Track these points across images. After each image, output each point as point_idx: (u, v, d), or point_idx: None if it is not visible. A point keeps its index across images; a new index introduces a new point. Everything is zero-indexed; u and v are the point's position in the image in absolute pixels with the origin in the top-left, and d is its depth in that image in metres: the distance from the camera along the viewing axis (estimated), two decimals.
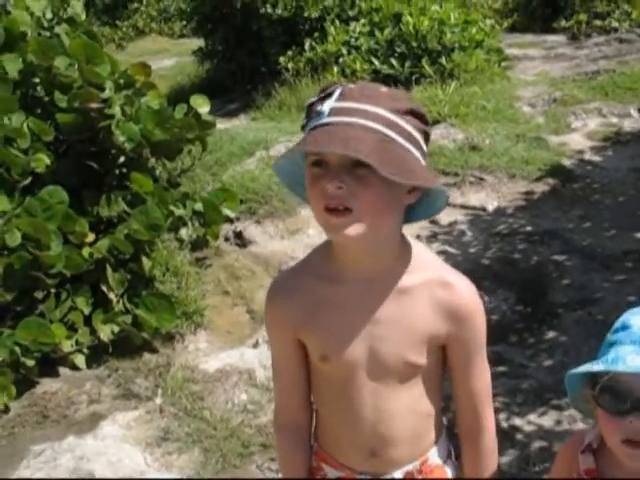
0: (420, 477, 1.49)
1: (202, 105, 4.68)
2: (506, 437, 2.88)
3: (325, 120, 1.27)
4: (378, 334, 1.40)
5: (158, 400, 3.37)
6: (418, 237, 4.36)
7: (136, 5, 16.69)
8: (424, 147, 1.34)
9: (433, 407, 1.49)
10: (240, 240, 4.68)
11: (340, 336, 1.42)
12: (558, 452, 1.53)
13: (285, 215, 4.75)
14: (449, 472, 1.54)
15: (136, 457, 3.02)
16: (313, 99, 1.33)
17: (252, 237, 4.67)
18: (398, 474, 1.48)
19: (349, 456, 1.49)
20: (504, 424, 2.97)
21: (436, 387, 1.49)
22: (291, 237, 4.59)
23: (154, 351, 3.74)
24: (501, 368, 3.30)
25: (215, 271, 4.41)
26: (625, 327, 1.30)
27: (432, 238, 4.46)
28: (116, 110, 4.03)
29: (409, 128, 1.30)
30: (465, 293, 1.42)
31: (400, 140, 1.28)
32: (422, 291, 1.41)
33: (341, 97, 1.29)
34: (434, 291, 1.41)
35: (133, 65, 4.66)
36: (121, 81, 4.35)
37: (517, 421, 3.01)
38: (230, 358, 3.64)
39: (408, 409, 1.45)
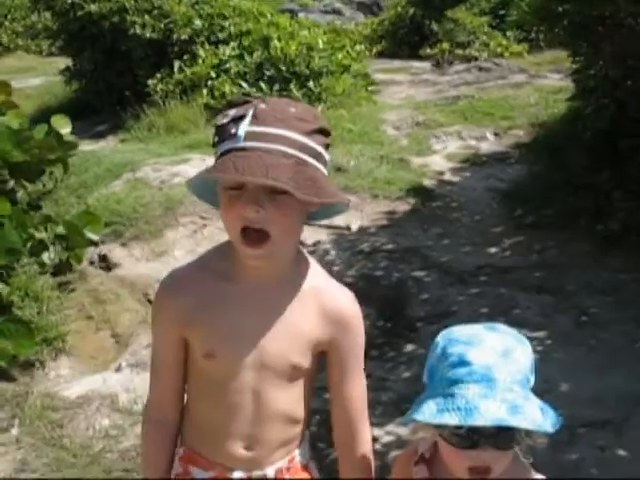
0: (288, 475, 1.55)
1: (64, 126, 4.61)
2: None
3: (241, 144, 1.32)
4: (266, 334, 1.46)
5: (15, 431, 3.24)
6: None
7: (0, 20, 16.06)
8: (327, 159, 1.42)
9: (305, 410, 1.55)
10: (105, 263, 4.60)
11: (229, 333, 1.46)
12: (394, 465, 1.57)
13: (151, 237, 4.71)
14: (313, 471, 1.62)
15: None
16: (224, 120, 1.37)
17: (117, 260, 4.61)
18: (270, 471, 1.53)
19: (223, 453, 1.51)
20: None
21: (309, 392, 1.56)
22: (157, 259, 4.56)
23: (11, 380, 3.60)
24: None
25: (79, 295, 4.31)
26: (464, 363, 1.30)
27: None
28: None
29: (317, 147, 1.38)
30: (349, 302, 1.52)
31: (311, 161, 1.36)
32: (311, 297, 1.48)
33: (255, 120, 1.34)
34: (322, 298, 1.49)
35: None
36: None
37: (376, 432, 3.10)
38: (92, 383, 3.56)
39: (285, 410, 1.51)
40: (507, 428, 1.26)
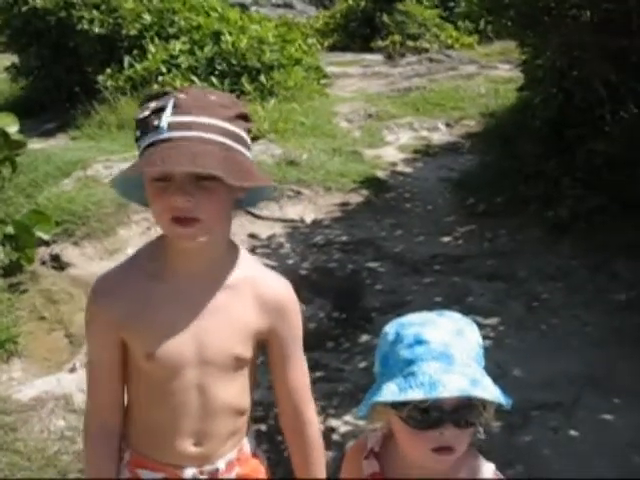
0: (238, 466, 1.55)
1: (10, 124, 4.53)
2: (323, 439, 2.98)
3: (165, 135, 1.32)
4: (206, 328, 1.46)
5: None
6: None
7: None
8: (249, 143, 1.43)
9: (250, 400, 1.56)
10: (57, 263, 4.53)
11: (167, 333, 1.44)
12: (344, 460, 1.57)
13: (103, 235, 4.65)
14: (261, 458, 1.64)
15: None
16: (145, 113, 1.36)
17: (70, 259, 4.54)
18: (221, 463, 1.53)
19: (173, 452, 1.50)
20: (321, 426, 3.06)
21: (252, 382, 1.57)
22: (110, 258, 4.49)
23: None
24: (318, 373, 3.41)
25: (31, 296, 4.23)
26: (421, 342, 1.31)
27: (251, 252, 4.53)
28: None
29: (240, 132, 1.39)
30: (285, 290, 1.54)
31: (236, 146, 1.37)
32: (246, 286, 1.49)
33: (176, 110, 1.33)
34: (257, 287, 1.49)
35: None
36: None
37: (334, 422, 3.13)
38: (46, 385, 3.49)
39: (231, 402, 1.51)
40: (467, 403, 1.28)
